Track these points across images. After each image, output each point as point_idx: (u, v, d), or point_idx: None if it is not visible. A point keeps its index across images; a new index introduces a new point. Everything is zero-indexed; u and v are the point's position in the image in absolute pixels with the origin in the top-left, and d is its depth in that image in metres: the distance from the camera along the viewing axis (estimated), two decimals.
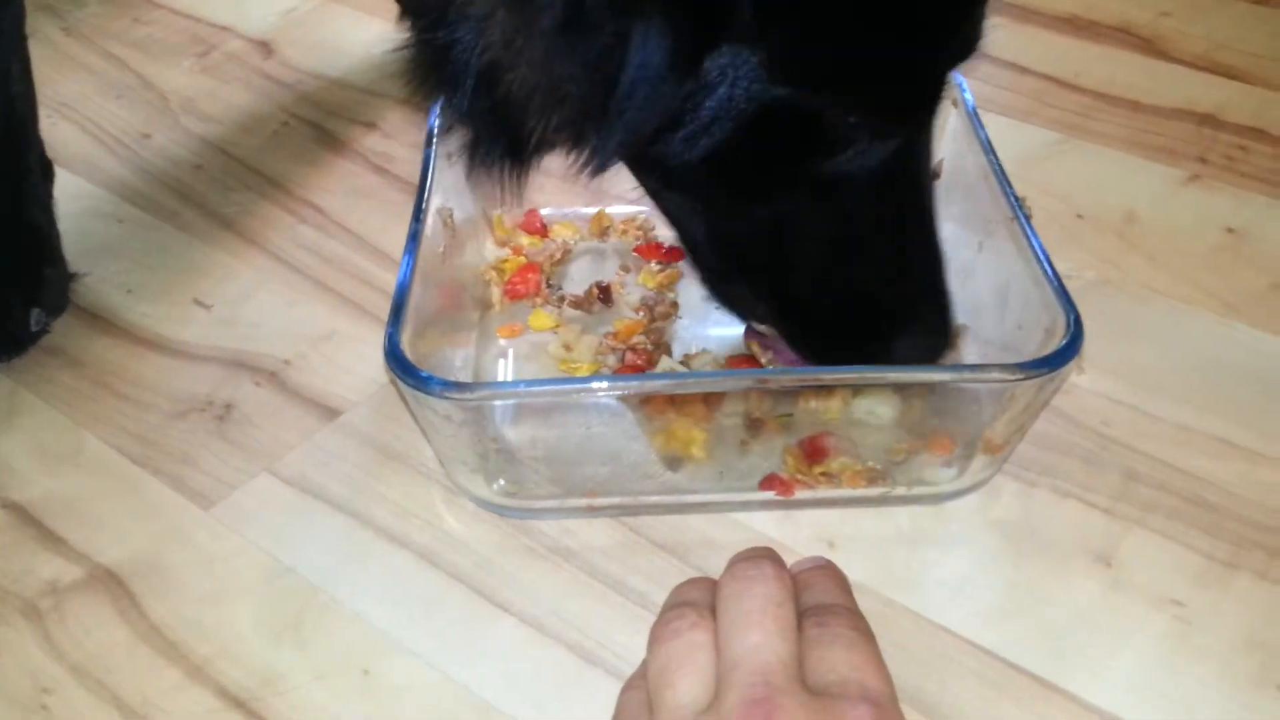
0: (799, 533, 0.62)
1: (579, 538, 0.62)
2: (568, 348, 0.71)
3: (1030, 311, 0.61)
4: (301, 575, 0.61)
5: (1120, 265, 0.80)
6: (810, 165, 0.55)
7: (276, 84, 1.03)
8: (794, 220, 0.58)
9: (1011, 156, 0.84)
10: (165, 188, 0.90)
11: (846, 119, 0.53)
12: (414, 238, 0.63)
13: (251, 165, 0.92)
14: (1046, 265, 0.60)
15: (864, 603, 0.52)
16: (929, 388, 0.62)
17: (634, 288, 0.77)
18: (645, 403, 0.62)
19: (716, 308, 0.73)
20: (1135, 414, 0.69)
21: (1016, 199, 0.65)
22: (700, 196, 0.60)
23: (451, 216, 0.71)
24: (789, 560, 0.54)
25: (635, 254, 0.79)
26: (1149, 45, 1.06)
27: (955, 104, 0.73)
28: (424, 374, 0.54)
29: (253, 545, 0.62)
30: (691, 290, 0.75)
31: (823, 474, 0.62)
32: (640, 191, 0.65)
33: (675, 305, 0.74)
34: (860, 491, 0.62)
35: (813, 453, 0.62)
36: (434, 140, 0.70)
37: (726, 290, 0.67)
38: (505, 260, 0.78)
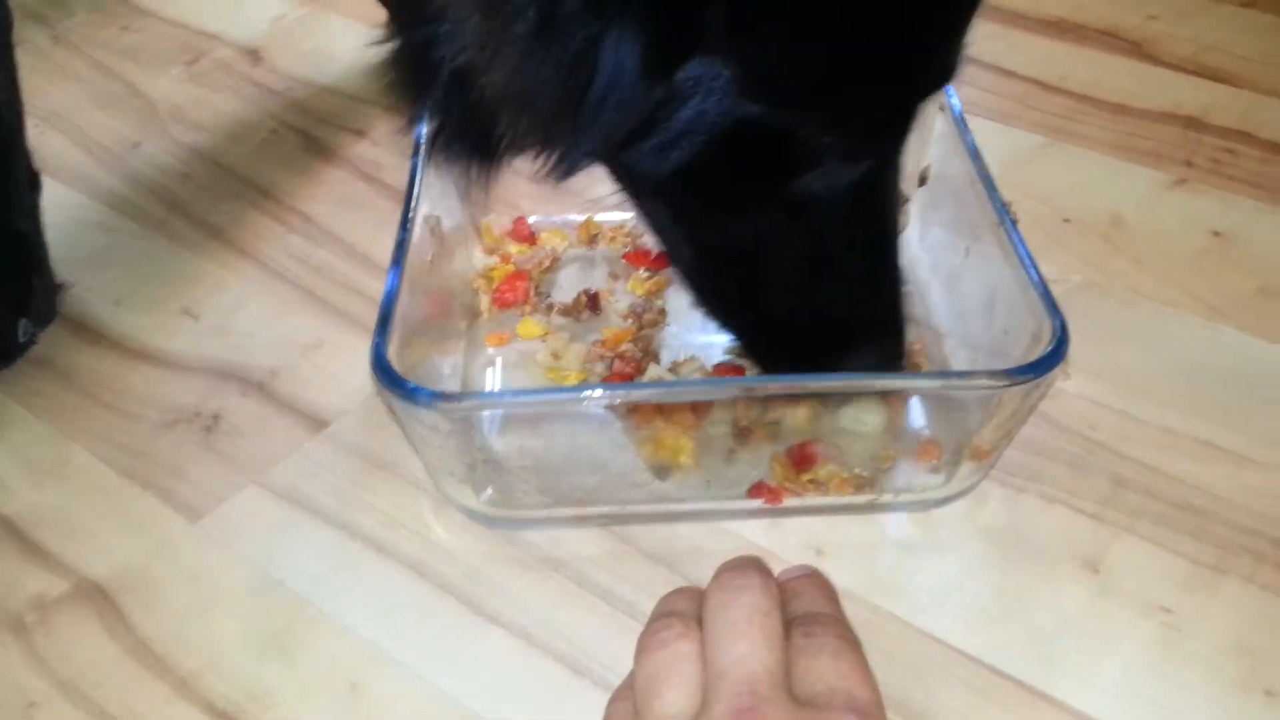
0: (787, 540, 0.62)
1: (567, 547, 0.62)
2: (556, 356, 0.71)
3: (1017, 317, 0.61)
4: (289, 587, 0.61)
5: (1106, 269, 0.80)
6: (780, 183, 0.56)
7: (265, 91, 1.03)
8: (761, 235, 0.59)
9: (998, 160, 0.84)
10: (154, 197, 0.90)
11: (818, 139, 0.53)
12: (401, 247, 0.63)
13: (240, 174, 0.92)
14: (1032, 271, 0.60)
15: (851, 610, 0.52)
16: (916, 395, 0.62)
17: (622, 295, 0.77)
18: (633, 411, 0.62)
19: (704, 314, 0.73)
20: (1121, 418, 0.69)
21: (1002, 204, 0.65)
22: (672, 206, 0.61)
23: (439, 225, 0.71)
24: (777, 568, 0.54)
25: (624, 261, 0.79)
26: (1136, 48, 1.07)
27: (941, 109, 0.73)
28: (410, 385, 0.54)
29: (240, 558, 0.62)
30: (680, 297, 0.75)
31: (810, 481, 0.62)
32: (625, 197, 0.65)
33: (663, 312, 0.74)
34: (848, 499, 0.62)
35: (800, 460, 0.62)
36: (421, 149, 0.70)
37: (703, 294, 0.67)
38: (493, 268, 0.78)
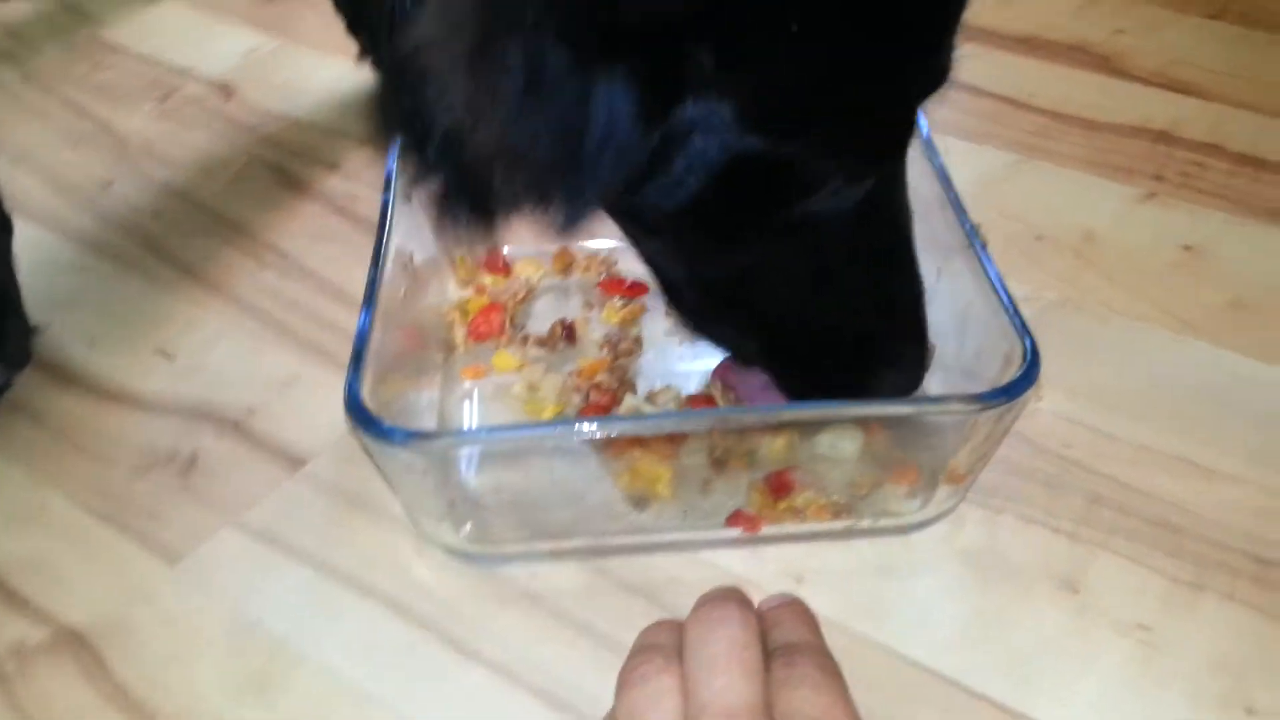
0: (766, 569, 0.62)
1: (547, 581, 0.62)
2: (532, 388, 0.71)
3: (989, 339, 0.61)
4: (268, 629, 0.60)
5: (1079, 285, 0.81)
6: (784, 209, 0.55)
7: (237, 126, 1.03)
8: (773, 261, 0.58)
9: (970, 179, 0.85)
10: (127, 236, 0.89)
11: (819, 163, 0.53)
12: (372, 285, 0.63)
13: (213, 210, 0.92)
14: (1003, 293, 0.60)
15: (832, 637, 0.52)
16: (891, 420, 0.62)
17: (598, 324, 0.77)
18: (610, 442, 0.62)
19: (680, 343, 0.74)
20: (1096, 435, 0.69)
21: (972, 227, 0.65)
22: (679, 243, 0.60)
23: (412, 260, 0.71)
24: (756, 597, 0.54)
25: (598, 289, 0.79)
26: (1105, 63, 1.07)
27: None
28: (385, 425, 0.54)
29: (218, 601, 0.62)
30: (655, 325, 0.76)
31: (788, 509, 0.62)
32: (602, 227, 0.65)
33: (639, 341, 0.74)
34: (826, 525, 0.62)
35: (778, 488, 0.62)
36: (392, 184, 0.70)
37: (711, 329, 0.67)
38: (468, 301, 0.78)
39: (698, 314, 0.66)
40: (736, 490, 0.62)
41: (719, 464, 0.62)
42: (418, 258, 0.72)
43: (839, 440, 0.62)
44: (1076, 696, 0.57)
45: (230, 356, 0.78)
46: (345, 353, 0.59)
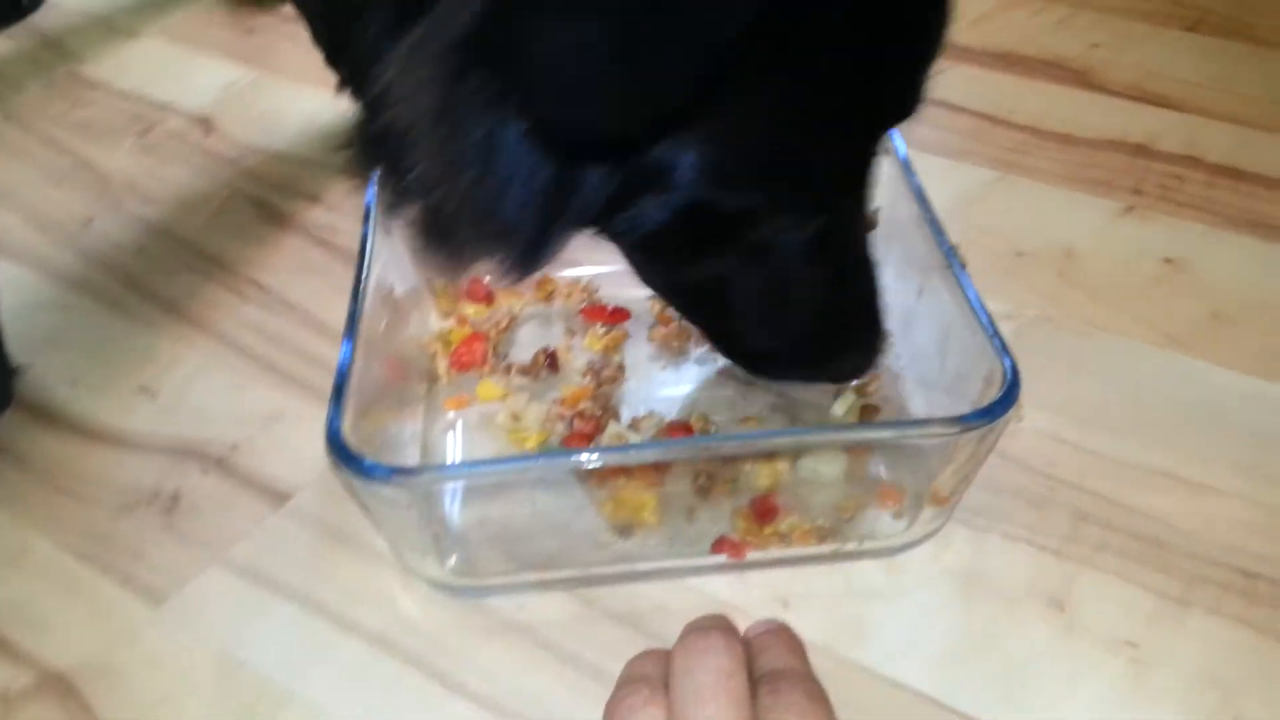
0: (753, 594, 0.62)
1: (533, 612, 0.62)
2: (516, 418, 0.71)
3: (969, 359, 0.61)
4: (254, 669, 0.60)
5: (1060, 301, 0.81)
6: (741, 241, 0.57)
7: (218, 160, 1.02)
8: (731, 274, 0.60)
9: (949, 196, 0.86)
10: (108, 273, 0.89)
11: (777, 212, 0.54)
12: (352, 319, 0.63)
13: (194, 245, 0.92)
14: (981, 314, 0.61)
15: (819, 662, 0.52)
16: (873, 443, 0.62)
17: (580, 351, 0.77)
18: (593, 471, 0.62)
19: (663, 369, 0.74)
20: (1080, 452, 0.69)
21: (950, 247, 0.65)
22: (647, 257, 0.63)
23: (392, 292, 0.71)
24: (743, 623, 0.54)
25: (580, 317, 0.79)
26: (1081, 78, 1.08)
27: (887, 152, 0.73)
28: (366, 462, 0.54)
29: (204, 641, 0.62)
30: (638, 351, 0.76)
31: (773, 534, 0.62)
32: (583, 254, 0.66)
33: (621, 368, 0.74)
34: (812, 549, 0.62)
35: (763, 513, 0.62)
36: (371, 216, 0.70)
37: (692, 319, 0.70)
38: (450, 331, 0.77)
39: (680, 307, 0.68)
40: (721, 516, 0.62)
41: (703, 491, 0.62)
42: (399, 289, 0.72)
43: (821, 464, 0.63)
44: (1066, 715, 0.57)
45: (213, 393, 0.77)
46: (328, 386, 0.58)
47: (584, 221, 0.54)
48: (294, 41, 1.11)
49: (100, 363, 0.81)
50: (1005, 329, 0.71)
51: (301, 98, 1.09)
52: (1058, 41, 1.13)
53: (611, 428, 0.69)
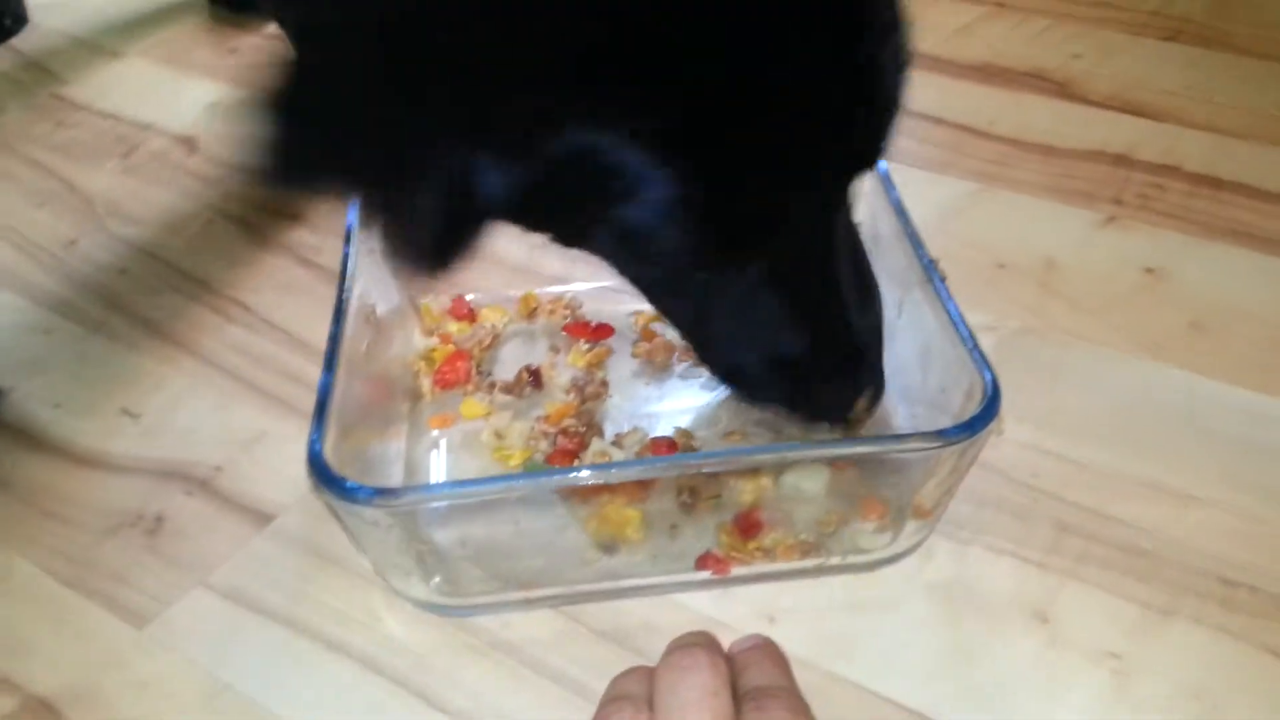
0: (738, 609, 0.62)
1: (519, 630, 0.62)
2: (499, 436, 0.71)
3: (950, 373, 0.61)
4: (239, 691, 0.60)
5: (1042, 313, 0.81)
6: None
7: (201, 181, 1.02)
8: (705, 303, 0.60)
9: (931, 209, 0.86)
10: (92, 295, 0.89)
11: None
12: (334, 341, 0.63)
13: (178, 266, 0.92)
14: (962, 328, 0.61)
15: (804, 676, 0.52)
16: (855, 457, 0.62)
17: (564, 368, 0.77)
18: (577, 488, 0.62)
19: (646, 384, 0.74)
20: (1063, 463, 0.69)
21: (930, 261, 0.66)
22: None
23: (374, 311, 0.71)
24: (728, 638, 0.54)
25: (564, 333, 0.79)
26: (1061, 89, 1.08)
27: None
28: (348, 484, 0.54)
29: (188, 663, 0.62)
30: (621, 368, 0.76)
31: (758, 549, 0.62)
32: (565, 270, 0.66)
33: (605, 384, 0.74)
34: (796, 564, 0.62)
35: (747, 529, 0.62)
36: (353, 237, 0.70)
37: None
38: (434, 349, 0.78)
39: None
40: (704, 532, 0.62)
41: (686, 507, 0.62)
42: (381, 308, 0.72)
43: (804, 479, 0.63)
44: None
45: (197, 414, 0.77)
46: (312, 406, 0.59)
47: (495, 215, 0.54)
48: (276, 60, 1.11)
49: (83, 385, 0.81)
50: (987, 340, 0.72)
51: None
52: (1038, 53, 1.14)
53: (595, 444, 0.69)
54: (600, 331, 0.78)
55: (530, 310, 0.81)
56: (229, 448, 0.74)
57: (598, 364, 0.76)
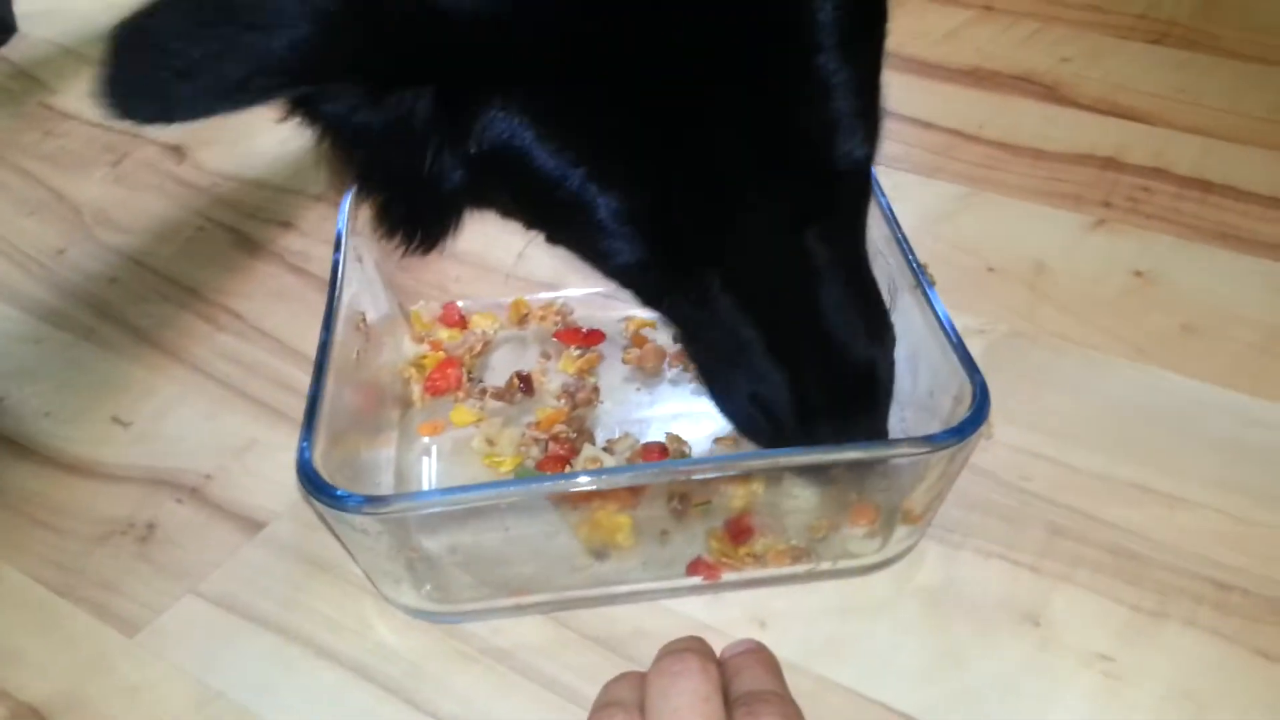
0: (729, 614, 0.62)
1: (510, 637, 0.62)
2: (490, 442, 0.71)
3: (939, 378, 0.62)
4: (231, 699, 0.60)
5: (1032, 316, 0.81)
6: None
7: (190, 189, 1.02)
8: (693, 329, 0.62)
9: (921, 212, 0.86)
10: (81, 304, 0.89)
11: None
12: (324, 349, 0.63)
13: (167, 274, 0.92)
14: (951, 333, 0.61)
15: (795, 681, 0.52)
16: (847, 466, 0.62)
17: (555, 374, 0.77)
18: (568, 495, 0.61)
19: (637, 390, 0.74)
20: (1054, 466, 0.70)
21: (919, 266, 0.66)
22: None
23: (364, 319, 0.71)
24: (719, 643, 0.54)
25: (555, 339, 0.79)
26: (1050, 92, 1.09)
27: None
28: (337, 491, 0.54)
29: (179, 671, 0.61)
30: (612, 373, 0.76)
31: (748, 555, 0.62)
32: (555, 276, 0.66)
33: (596, 390, 0.74)
34: (786, 570, 0.62)
35: (737, 535, 0.62)
36: (343, 244, 0.70)
37: None
38: (424, 357, 0.77)
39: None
40: (694, 538, 0.62)
41: (677, 513, 0.62)
42: (372, 315, 0.73)
43: (794, 486, 0.62)
44: None
45: (187, 422, 0.77)
46: (302, 414, 0.59)
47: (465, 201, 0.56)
48: None
49: (73, 393, 0.80)
50: (977, 344, 0.72)
51: (273, 125, 1.09)
52: (1027, 56, 1.14)
53: (586, 450, 0.69)
54: (591, 337, 0.79)
55: (521, 316, 0.81)
56: (220, 455, 0.74)
57: (589, 370, 0.76)
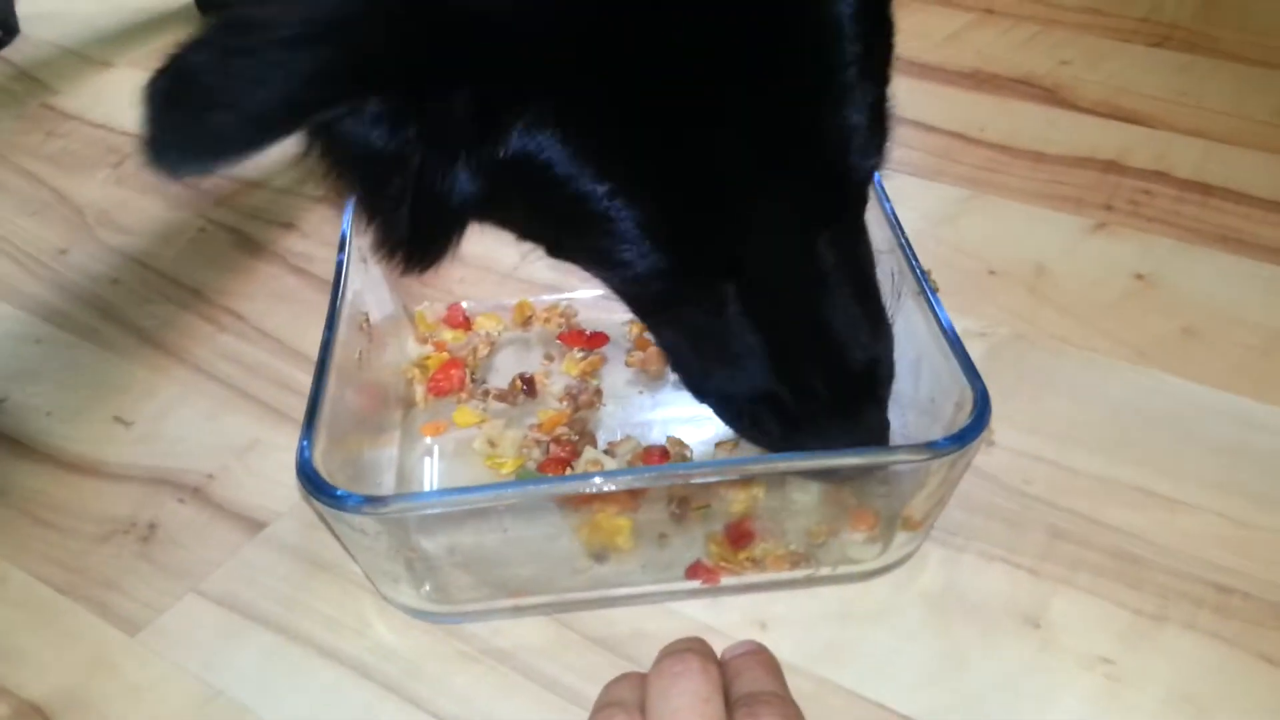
0: (729, 616, 0.62)
1: (510, 637, 0.62)
2: (492, 444, 0.71)
3: (941, 383, 0.61)
4: (232, 698, 0.60)
5: (1033, 319, 0.81)
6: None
7: (192, 190, 1.02)
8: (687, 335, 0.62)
9: (922, 215, 0.86)
10: (83, 304, 0.89)
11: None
12: (326, 348, 0.63)
13: (169, 275, 0.92)
14: (953, 340, 0.61)
15: (796, 683, 0.52)
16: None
17: (558, 376, 0.77)
18: (568, 497, 0.62)
19: (640, 393, 0.74)
20: (1055, 469, 0.70)
21: (922, 272, 0.66)
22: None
23: (368, 319, 0.71)
24: (720, 644, 0.54)
25: (559, 342, 0.79)
26: (1051, 95, 1.09)
27: None
28: (337, 491, 0.54)
29: (181, 670, 0.62)
30: (615, 376, 0.76)
31: (748, 559, 0.62)
32: (560, 278, 0.66)
33: (599, 393, 0.75)
34: (786, 574, 0.62)
35: (737, 539, 0.62)
36: (347, 245, 0.70)
37: None
38: (428, 357, 0.78)
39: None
40: (694, 542, 0.62)
41: (676, 517, 0.62)
42: (375, 316, 0.73)
43: (794, 489, 0.62)
44: None
45: (189, 422, 0.77)
46: (303, 414, 0.59)
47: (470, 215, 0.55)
48: None
49: (76, 393, 0.81)
50: (977, 347, 0.72)
51: None
52: (1027, 59, 1.15)
53: (588, 453, 0.69)
54: (595, 340, 0.79)
55: (525, 318, 0.81)
56: (221, 455, 0.74)
57: (591, 372, 0.77)
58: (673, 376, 0.76)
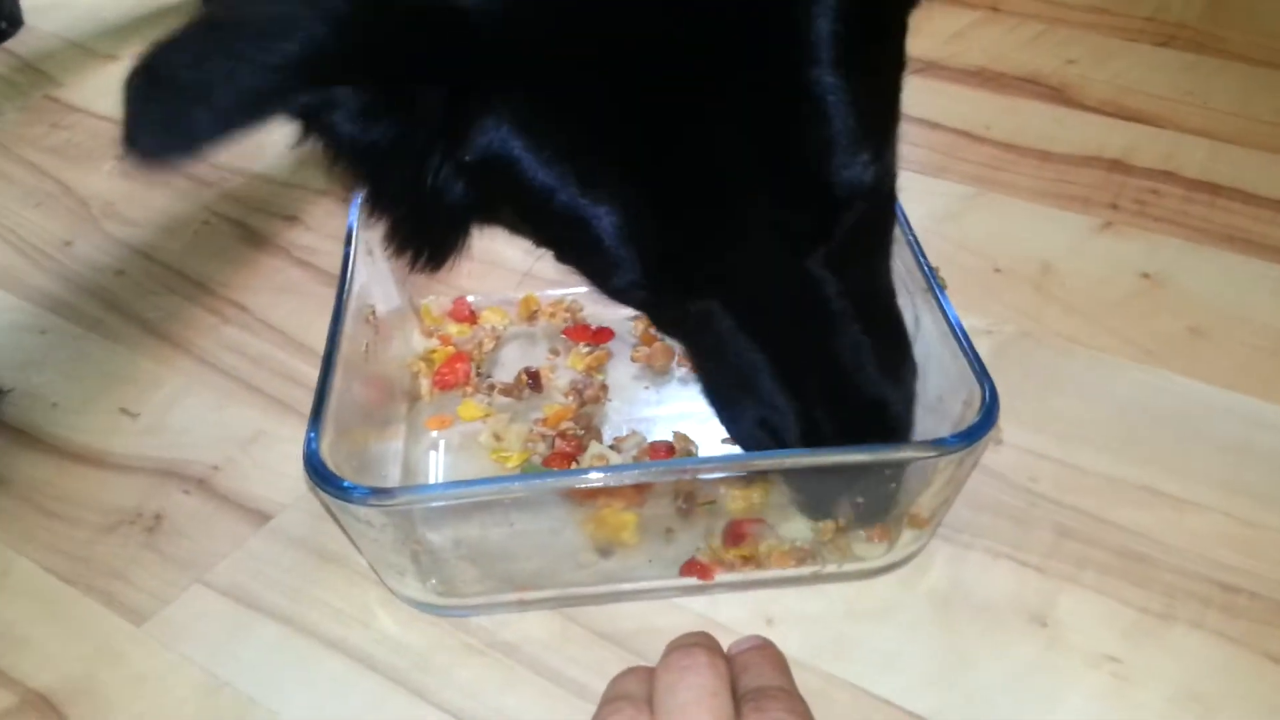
0: (736, 612, 0.62)
1: (516, 630, 0.62)
2: (497, 437, 0.71)
3: (949, 382, 0.61)
4: (237, 688, 0.60)
5: (1039, 317, 0.81)
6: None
7: (197, 182, 1.02)
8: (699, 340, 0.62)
9: (928, 213, 0.86)
10: (88, 296, 0.89)
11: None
12: (332, 340, 0.63)
13: (174, 267, 0.92)
14: (962, 339, 0.61)
15: (803, 679, 0.52)
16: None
17: (564, 371, 0.77)
18: (574, 491, 0.61)
19: (645, 388, 0.74)
20: (1062, 468, 0.70)
21: (931, 270, 0.66)
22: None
23: (374, 312, 0.71)
24: (727, 639, 0.54)
25: (564, 336, 0.79)
26: (1057, 94, 1.09)
27: None
28: (344, 483, 0.54)
29: (186, 660, 0.62)
30: (621, 371, 0.76)
31: (748, 556, 0.62)
32: (565, 273, 0.66)
33: (604, 388, 0.75)
34: (790, 571, 0.62)
35: (735, 536, 0.62)
36: (354, 238, 0.70)
37: None
38: (434, 351, 0.78)
39: None
40: (699, 537, 0.62)
41: (683, 512, 0.62)
42: (381, 309, 0.73)
43: (791, 528, 0.62)
44: None
45: (194, 413, 0.77)
46: (308, 407, 0.59)
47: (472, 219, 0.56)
48: None
49: (80, 385, 0.81)
50: (984, 345, 0.72)
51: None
52: (1033, 57, 1.14)
53: (593, 448, 0.69)
54: (600, 335, 0.79)
55: (531, 313, 0.81)
56: (226, 447, 0.74)
57: (597, 367, 0.77)
58: (678, 372, 0.76)
